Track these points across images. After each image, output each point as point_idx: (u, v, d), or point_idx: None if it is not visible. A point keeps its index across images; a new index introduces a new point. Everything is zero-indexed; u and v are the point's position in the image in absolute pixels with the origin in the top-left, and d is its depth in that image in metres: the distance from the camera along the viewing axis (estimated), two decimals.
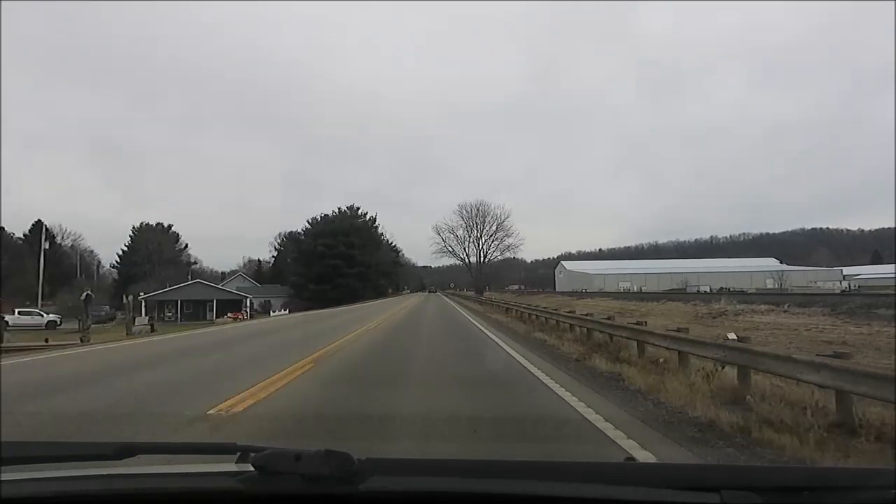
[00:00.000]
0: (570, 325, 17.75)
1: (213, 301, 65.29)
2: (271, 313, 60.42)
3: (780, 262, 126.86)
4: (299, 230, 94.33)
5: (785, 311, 28.48)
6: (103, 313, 55.54)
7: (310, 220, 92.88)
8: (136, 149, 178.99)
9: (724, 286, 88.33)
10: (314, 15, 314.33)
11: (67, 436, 5.14)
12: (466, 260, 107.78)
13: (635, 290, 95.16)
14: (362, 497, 1.18)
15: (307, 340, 15.96)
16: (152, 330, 26.47)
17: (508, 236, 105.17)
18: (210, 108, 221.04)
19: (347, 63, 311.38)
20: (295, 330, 22.00)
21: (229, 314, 58.68)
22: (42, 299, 57.22)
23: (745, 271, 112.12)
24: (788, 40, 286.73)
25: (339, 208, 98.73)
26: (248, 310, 66.08)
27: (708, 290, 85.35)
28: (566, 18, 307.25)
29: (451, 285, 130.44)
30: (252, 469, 1.21)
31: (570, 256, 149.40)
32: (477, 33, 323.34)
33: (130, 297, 25.59)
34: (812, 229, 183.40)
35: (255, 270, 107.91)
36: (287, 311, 59.04)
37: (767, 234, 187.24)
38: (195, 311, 63.72)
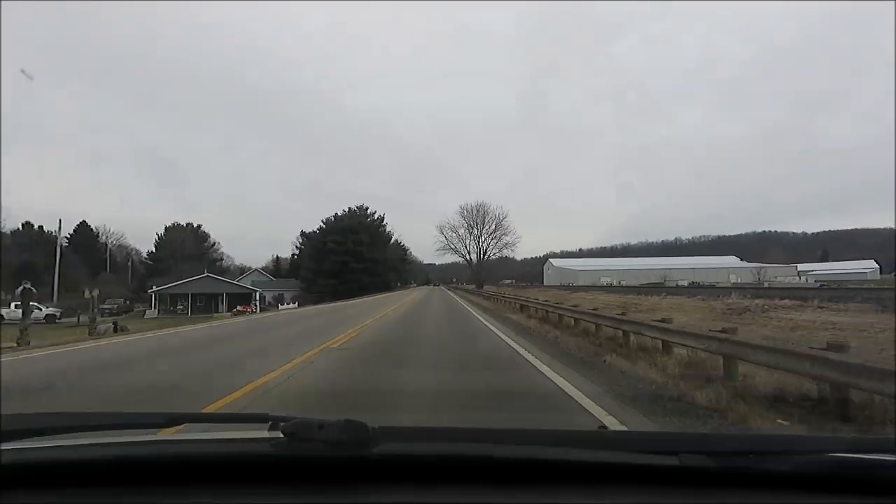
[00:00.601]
0: (576, 319, 14.98)
1: (223, 294, 60.54)
2: (280, 307, 56.07)
3: (741, 260, 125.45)
4: (315, 230, 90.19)
5: (821, 308, 21.43)
6: (115, 307, 52.25)
7: (323, 220, 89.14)
8: (185, 160, 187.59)
9: (693, 281, 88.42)
10: (332, 52, 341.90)
11: None
12: (468, 256, 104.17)
13: (615, 284, 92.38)
14: (376, 459, 1.20)
15: (289, 344, 12.43)
16: (116, 330, 19.57)
17: (506, 234, 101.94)
18: (252, 126, 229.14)
19: (362, 90, 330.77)
20: (288, 328, 18.59)
21: (238, 307, 54.56)
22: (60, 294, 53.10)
23: (711, 268, 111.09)
24: (742, 69, 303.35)
25: (349, 208, 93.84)
26: (258, 303, 61.15)
27: (686, 284, 79.01)
28: (553, 50, 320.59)
29: (454, 279, 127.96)
30: (282, 436, 1.23)
31: (554, 255, 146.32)
32: (471, 69, 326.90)
33: (94, 292, 17.92)
34: (763, 231, 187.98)
35: (275, 266, 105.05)
36: (297, 305, 55.90)
37: (725, 235, 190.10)
38: (207, 305, 58.25)
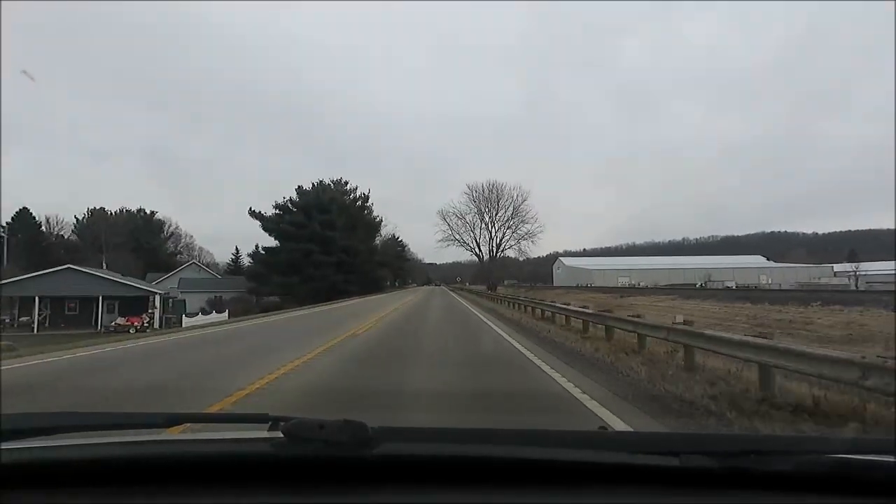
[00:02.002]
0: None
1: (103, 299, 39.22)
2: (184, 321, 36.11)
3: (767, 260, 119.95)
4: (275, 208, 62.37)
5: None
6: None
7: (285, 198, 61.82)
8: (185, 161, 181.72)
9: (733, 282, 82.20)
10: (333, 50, 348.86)
11: None
12: (477, 249, 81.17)
13: (636, 285, 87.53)
14: (376, 460, 1.22)
15: None
16: None
17: (526, 222, 77.00)
18: (249, 128, 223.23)
19: (369, 88, 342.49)
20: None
21: (119, 319, 37.09)
22: None
23: (737, 267, 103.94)
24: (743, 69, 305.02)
25: (321, 180, 66.62)
26: (159, 311, 40.26)
27: (733, 286, 68.68)
28: (557, 54, 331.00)
29: (458, 279, 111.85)
30: (281, 436, 1.25)
31: (559, 255, 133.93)
32: (478, 64, 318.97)
33: None
34: (772, 232, 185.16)
35: (234, 261, 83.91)
36: (226, 315, 37.68)
37: (733, 235, 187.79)
38: (84, 312, 39.57)
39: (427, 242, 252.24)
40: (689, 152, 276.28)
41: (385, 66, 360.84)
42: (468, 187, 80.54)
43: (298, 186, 62.64)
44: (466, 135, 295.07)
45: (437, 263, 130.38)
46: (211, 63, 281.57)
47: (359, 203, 71.51)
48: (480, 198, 78.14)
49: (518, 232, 76.90)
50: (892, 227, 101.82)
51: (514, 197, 76.54)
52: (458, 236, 79.68)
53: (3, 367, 9.42)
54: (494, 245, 78.56)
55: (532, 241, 77.29)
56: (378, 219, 78.11)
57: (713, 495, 1.16)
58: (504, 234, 77.92)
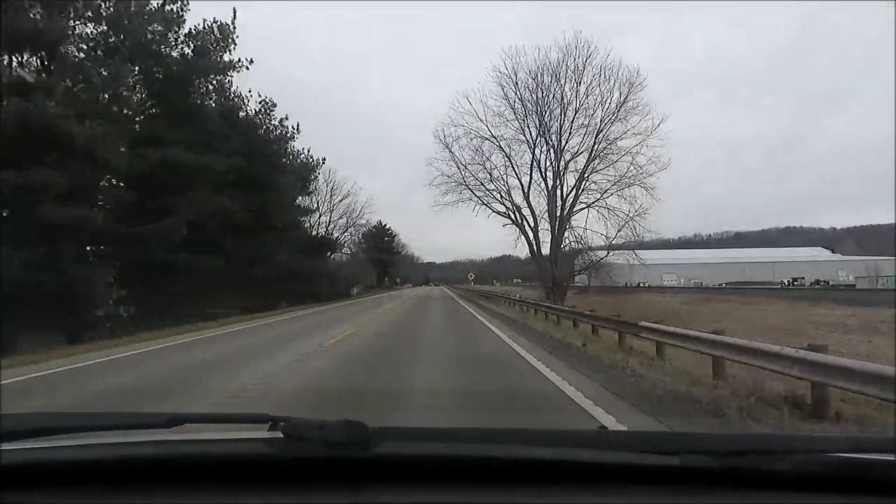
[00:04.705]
0: None
1: None
2: None
3: (832, 252, 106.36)
4: None
5: None
6: None
7: None
8: None
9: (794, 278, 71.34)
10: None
11: None
12: (511, 209, 35.67)
13: (689, 284, 73.27)
14: (375, 460, 1.24)
15: None
16: None
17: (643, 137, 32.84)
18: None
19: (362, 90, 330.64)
20: None
21: None
22: None
23: (799, 261, 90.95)
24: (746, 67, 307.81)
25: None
26: None
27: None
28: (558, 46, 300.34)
29: (471, 276, 74.28)
30: (281, 436, 1.27)
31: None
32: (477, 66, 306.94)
33: None
34: (787, 227, 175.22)
35: None
36: None
37: (749, 231, 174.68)
38: None
39: (429, 243, 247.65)
40: (691, 147, 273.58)
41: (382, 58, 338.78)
42: (504, 52, 43.18)
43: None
44: None
45: (437, 262, 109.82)
46: None
47: (262, 120, 37.29)
48: (530, 82, 34.08)
49: (634, 167, 32.29)
50: None
51: (621, 83, 32.75)
52: (463, 181, 35.53)
53: None
54: (561, 184, 34.04)
55: (655, 178, 32.20)
56: (311, 159, 46.37)
57: (713, 495, 1.18)
58: (588, 170, 33.46)
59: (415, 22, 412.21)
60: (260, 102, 36.68)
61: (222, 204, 28.22)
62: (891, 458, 1.23)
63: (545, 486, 1.20)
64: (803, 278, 75.77)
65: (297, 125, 40.21)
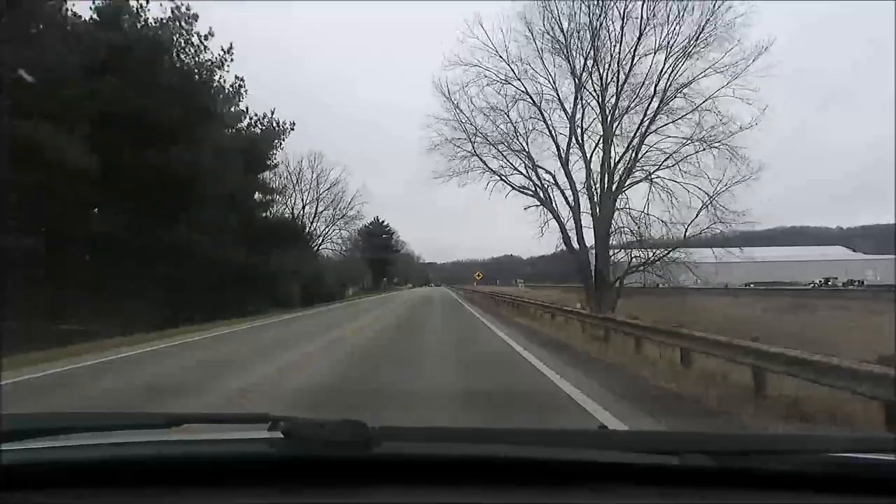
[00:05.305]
0: None
1: None
2: None
3: (854, 251, 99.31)
4: None
5: None
6: None
7: None
8: None
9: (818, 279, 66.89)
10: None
11: None
12: (539, 185, 26.23)
13: (706, 284, 62.11)
14: (376, 460, 1.26)
15: None
16: None
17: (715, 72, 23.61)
18: None
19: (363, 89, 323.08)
20: None
21: None
22: None
23: (820, 260, 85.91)
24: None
25: None
26: None
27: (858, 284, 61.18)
28: None
29: (478, 274, 63.53)
30: (281, 436, 1.29)
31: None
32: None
33: None
34: (791, 227, 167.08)
35: None
36: None
37: (750, 231, 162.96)
38: None
39: (429, 244, 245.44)
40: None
41: (384, 58, 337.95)
42: None
43: None
44: None
45: (438, 263, 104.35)
46: None
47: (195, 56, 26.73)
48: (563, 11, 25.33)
49: (720, 119, 23.49)
50: None
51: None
52: (468, 140, 26.20)
53: None
54: (610, 165, 24.83)
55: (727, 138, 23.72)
56: (275, 124, 34.35)
57: (713, 495, 1.19)
58: (648, 127, 24.31)
59: None
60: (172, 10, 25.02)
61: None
62: (891, 457, 1.24)
63: (546, 486, 1.20)
64: (836, 278, 71.74)
65: (231, 46, 27.36)
